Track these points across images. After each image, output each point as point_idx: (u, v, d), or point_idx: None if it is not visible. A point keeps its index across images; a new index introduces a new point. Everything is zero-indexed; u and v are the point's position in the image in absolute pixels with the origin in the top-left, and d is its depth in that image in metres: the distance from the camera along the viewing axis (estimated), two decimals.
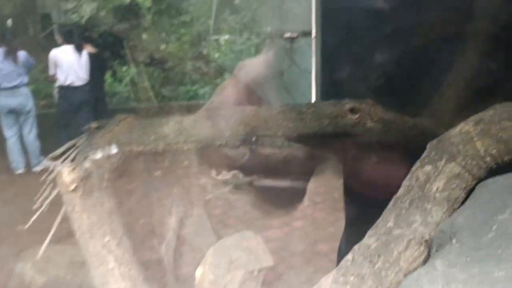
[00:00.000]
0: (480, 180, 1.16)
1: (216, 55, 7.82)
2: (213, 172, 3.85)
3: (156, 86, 7.07)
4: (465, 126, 1.17)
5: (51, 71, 4.62)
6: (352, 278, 1.20)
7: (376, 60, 3.18)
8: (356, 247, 1.27)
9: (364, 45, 3.31)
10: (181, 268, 2.54)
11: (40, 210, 1.69)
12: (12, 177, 4.61)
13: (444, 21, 2.78)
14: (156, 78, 7.30)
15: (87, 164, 1.57)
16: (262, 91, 2.95)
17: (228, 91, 2.09)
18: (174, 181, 3.29)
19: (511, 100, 1.25)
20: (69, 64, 4.67)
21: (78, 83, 4.73)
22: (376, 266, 1.16)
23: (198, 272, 1.95)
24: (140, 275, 1.69)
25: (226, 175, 3.76)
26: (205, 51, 8.17)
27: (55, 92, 4.91)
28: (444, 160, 1.17)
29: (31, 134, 4.77)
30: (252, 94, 2.61)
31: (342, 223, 2.77)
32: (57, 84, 4.77)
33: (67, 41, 4.69)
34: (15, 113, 4.59)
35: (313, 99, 3.68)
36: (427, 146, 1.29)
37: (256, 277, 2.08)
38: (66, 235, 1.70)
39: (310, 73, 3.67)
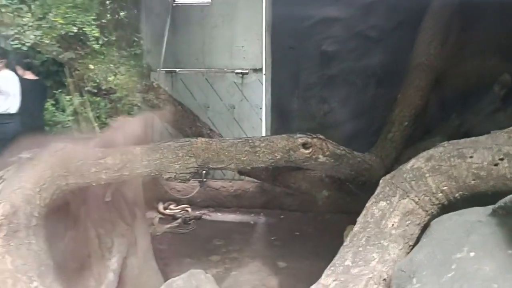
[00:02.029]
0: (433, 216, 1.17)
1: (167, 88, 7.71)
2: (161, 206, 3.66)
3: (102, 116, 6.76)
4: (417, 162, 1.19)
5: None
6: None
7: (323, 96, 3.32)
8: (313, 287, 1.21)
9: (312, 82, 3.46)
10: None
11: None
12: None
13: (389, 63, 2.99)
14: (102, 109, 7.00)
15: (14, 199, 1.38)
16: (205, 121, 2.93)
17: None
18: (117, 215, 3.06)
19: (450, 139, 1.30)
20: (12, 90, 4.39)
21: (13, 110, 4.44)
22: None
23: None
24: None
25: (174, 209, 3.60)
26: (155, 84, 8.03)
27: None
28: (398, 195, 1.17)
29: None
30: (198, 121, 2.55)
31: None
32: None
33: (8, 67, 4.43)
34: None
35: (264, 133, 3.72)
36: (380, 182, 1.29)
37: None
38: None
39: (261, 107, 3.73)
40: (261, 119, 3.50)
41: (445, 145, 1.19)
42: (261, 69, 3.50)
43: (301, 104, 3.37)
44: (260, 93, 3.49)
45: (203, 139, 1.66)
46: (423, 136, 2.37)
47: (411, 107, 2.25)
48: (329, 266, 1.15)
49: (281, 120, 3.47)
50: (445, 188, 1.14)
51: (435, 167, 1.16)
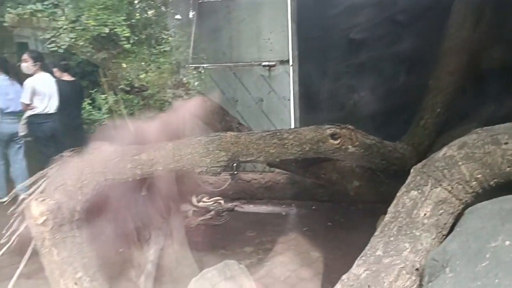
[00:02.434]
0: (467, 205, 1.14)
1: (196, 83, 7.83)
2: (194, 199, 3.76)
3: (135, 113, 6.98)
4: (449, 150, 1.16)
5: (26, 100, 4.51)
6: None
7: (352, 86, 3.27)
8: (344, 277, 1.21)
9: (341, 72, 3.40)
10: None
11: (8, 245, 1.57)
12: None
13: (419, 49, 2.89)
14: (135, 106, 7.21)
15: (57, 195, 1.47)
16: (234, 115, 2.96)
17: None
18: (153, 209, 3.17)
19: (486, 125, 1.25)
20: (47, 92, 4.59)
21: (53, 110, 4.66)
22: None
23: None
24: None
25: (207, 201, 3.68)
26: (185, 79, 8.18)
27: (24, 121, 4.78)
28: (430, 184, 1.15)
29: (21, 162, 4.67)
30: (228, 116, 2.58)
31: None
32: (33, 112, 4.64)
33: (42, 69, 4.63)
34: (12, 139, 4.52)
35: (292, 125, 3.72)
36: (411, 171, 1.27)
37: None
38: (38, 269, 1.59)
39: (289, 99, 3.73)
40: (289, 111, 3.50)
41: (479, 131, 1.15)
42: (288, 61, 3.49)
43: (329, 94, 3.33)
44: (287, 85, 3.48)
45: (233, 133, 1.69)
46: (458, 123, 2.28)
47: (444, 92, 2.17)
48: (360, 256, 1.15)
49: (310, 111, 3.45)
50: (479, 176, 1.11)
51: (469, 154, 1.13)
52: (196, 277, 1.89)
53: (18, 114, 4.84)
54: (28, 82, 4.57)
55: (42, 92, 4.61)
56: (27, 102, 4.55)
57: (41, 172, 1.70)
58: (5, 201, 1.66)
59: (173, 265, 2.66)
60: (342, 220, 3.45)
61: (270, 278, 2.79)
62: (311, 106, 3.46)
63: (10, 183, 4.61)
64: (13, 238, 1.56)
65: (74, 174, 1.58)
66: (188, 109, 2.36)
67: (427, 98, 2.22)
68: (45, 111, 4.66)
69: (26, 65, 4.64)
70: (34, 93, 4.57)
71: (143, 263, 2.58)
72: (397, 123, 2.89)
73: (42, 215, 1.40)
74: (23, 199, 1.62)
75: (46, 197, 1.44)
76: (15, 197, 1.93)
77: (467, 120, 2.27)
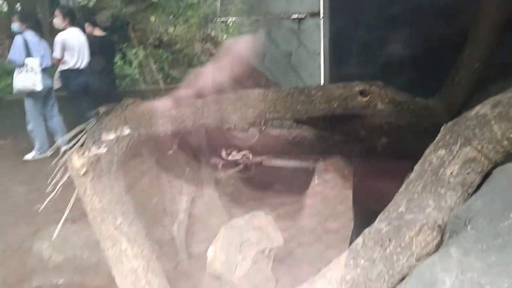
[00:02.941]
0: (497, 164, 1.12)
1: (224, 36, 7.73)
2: (223, 153, 3.86)
3: (165, 68, 7.05)
4: (482, 109, 1.13)
5: (57, 55, 4.59)
6: (363, 261, 1.19)
7: (385, 40, 3.11)
8: (366, 231, 1.25)
9: (373, 26, 3.23)
10: (193, 246, 2.57)
11: (53, 193, 1.71)
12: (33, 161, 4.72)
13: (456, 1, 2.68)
14: (165, 60, 7.27)
15: (96, 149, 1.57)
16: (265, 71, 2.92)
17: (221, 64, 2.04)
18: (184, 162, 3.30)
19: None
20: (77, 47, 4.67)
21: (84, 65, 4.75)
22: (388, 250, 1.15)
23: (210, 252, 1.98)
24: (153, 254, 1.72)
25: (236, 155, 3.77)
26: (213, 33, 8.06)
27: (58, 76, 4.87)
28: (459, 144, 1.14)
29: (57, 117, 4.89)
30: (255, 72, 2.58)
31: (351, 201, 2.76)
32: (64, 67, 4.73)
33: (73, 24, 4.66)
34: (47, 94, 4.69)
35: (322, 81, 3.64)
36: (441, 129, 1.25)
37: (267, 256, 2.10)
38: (81, 215, 1.72)
39: (319, 54, 3.62)
40: (319, 66, 3.42)
41: None
42: (318, 13, 3.35)
43: (361, 48, 3.20)
44: (318, 38, 3.37)
45: (260, 90, 1.70)
46: (496, 78, 2.17)
47: (482, 47, 2.04)
48: (383, 212, 1.18)
49: (340, 66, 3.35)
50: (511, 135, 1.09)
51: (502, 113, 1.09)
52: (225, 226, 2.01)
53: (51, 70, 4.96)
54: (58, 37, 4.66)
55: (72, 47, 4.70)
56: (58, 57, 4.67)
57: (80, 126, 1.80)
58: (48, 156, 1.78)
59: (203, 215, 2.81)
60: (370, 175, 3.47)
61: (296, 229, 2.90)
62: (342, 60, 3.36)
63: (49, 137, 4.87)
64: (57, 187, 1.70)
65: (111, 129, 1.67)
66: (241, 48, 2.33)
67: (464, 52, 2.11)
68: (76, 66, 4.78)
69: (57, 21, 4.70)
70: (64, 48, 4.66)
71: (176, 212, 2.74)
72: (433, 78, 2.78)
73: (83, 167, 1.50)
74: (65, 151, 1.74)
75: (87, 150, 1.53)
76: (57, 150, 2.07)
77: (506, 76, 2.15)
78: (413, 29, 2.88)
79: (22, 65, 4.40)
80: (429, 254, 1.07)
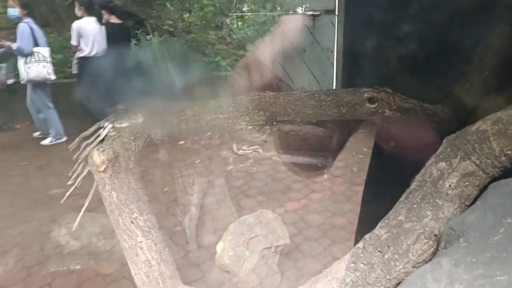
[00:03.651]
0: (495, 179, 1.17)
1: (239, 24, 7.76)
2: (234, 146, 3.95)
3: (179, 56, 7.09)
4: (483, 125, 1.18)
5: (74, 42, 4.67)
6: (362, 265, 1.27)
7: (399, 39, 3.10)
8: (367, 236, 1.33)
9: (388, 23, 3.22)
10: (203, 237, 2.68)
11: (74, 186, 1.82)
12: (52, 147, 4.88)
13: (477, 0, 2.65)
14: (179, 48, 7.31)
15: (115, 146, 1.66)
16: (278, 68, 2.96)
17: (246, 73, 2.12)
18: (195, 157, 3.41)
19: None
20: (93, 35, 4.75)
21: (100, 53, 4.82)
22: (386, 256, 1.22)
23: (219, 248, 2.08)
24: (166, 248, 1.81)
25: (246, 150, 3.85)
26: (228, 21, 8.08)
27: (75, 63, 4.95)
28: (459, 157, 1.19)
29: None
30: (269, 73, 2.63)
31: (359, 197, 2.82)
32: (81, 54, 4.80)
33: (89, 13, 4.74)
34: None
35: (334, 78, 3.67)
36: (443, 142, 1.30)
37: (273, 253, 2.19)
38: (98, 204, 1.82)
39: (332, 51, 3.63)
40: (332, 63, 3.44)
41: None
42: (333, 10, 3.36)
43: (375, 46, 3.21)
44: (332, 35, 3.39)
45: (271, 93, 1.76)
46: (507, 86, 2.18)
47: (494, 55, 2.05)
48: (383, 219, 1.25)
49: (354, 64, 3.37)
50: (509, 152, 1.13)
51: (501, 130, 1.14)
52: (234, 223, 2.10)
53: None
54: (73, 25, 4.72)
55: (87, 35, 4.75)
56: (75, 43, 4.73)
57: (99, 122, 1.89)
58: (69, 148, 1.87)
59: (213, 207, 2.92)
60: (378, 175, 3.52)
61: (304, 223, 2.99)
62: (355, 58, 3.38)
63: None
64: (78, 180, 1.80)
65: (128, 127, 1.76)
66: (294, 23, 2.38)
67: (475, 60, 2.12)
68: (91, 54, 4.84)
69: (76, 9, 4.76)
70: (79, 36, 4.72)
71: (187, 203, 2.85)
72: (444, 80, 2.77)
73: (102, 164, 1.59)
74: (86, 146, 1.84)
75: (106, 147, 1.62)
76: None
77: None
78: (428, 28, 2.86)
79: (31, 54, 4.43)
80: (425, 261, 1.14)
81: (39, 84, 4.60)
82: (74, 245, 2.58)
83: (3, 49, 4.64)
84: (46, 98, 4.69)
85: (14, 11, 4.41)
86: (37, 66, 4.44)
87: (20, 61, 4.44)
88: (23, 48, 4.38)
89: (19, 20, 4.45)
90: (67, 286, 2.30)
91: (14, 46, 4.37)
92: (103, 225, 2.66)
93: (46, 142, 4.81)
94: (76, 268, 2.45)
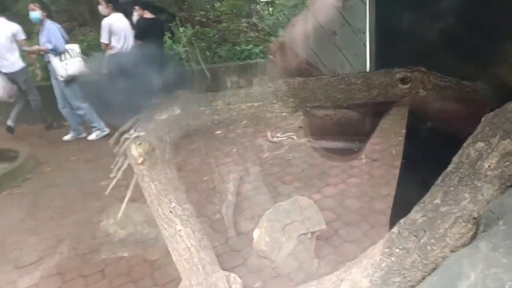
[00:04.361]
0: None
1: (270, 10, 7.68)
2: (269, 134, 3.96)
3: (212, 46, 7.16)
4: None
5: (105, 40, 4.76)
6: (397, 250, 1.24)
7: (433, 18, 2.93)
8: (402, 221, 1.30)
9: (421, 2, 3.05)
10: (241, 224, 2.74)
11: (116, 178, 1.91)
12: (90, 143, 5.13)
13: None
14: (211, 38, 7.39)
15: (151, 139, 1.72)
16: (310, 51, 2.89)
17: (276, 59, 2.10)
18: (230, 146, 3.46)
19: None
20: (123, 31, 4.83)
21: (127, 49, 4.90)
22: (422, 241, 1.19)
23: (255, 234, 2.12)
24: (204, 234, 1.88)
25: (281, 137, 3.86)
26: (258, 8, 8.02)
27: (107, 60, 5.04)
28: (498, 136, 1.13)
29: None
30: (299, 58, 2.60)
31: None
32: (112, 52, 4.88)
33: (117, 9, 4.81)
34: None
35: (368, 60, 3.55)
36: (482, 120, 1.23)
37: (310, 239, 2.21)
38: (141, 194, 1.92)
39: (364, 32, 3.51)
40: (364, 45, 3.34)
41: None
42: None
43: (409, 24, 3.06)
44: (363, 16, 3.28)
45: (300, 79, 1.74)
46: None
47: None
48: (418, 203, 1.22)
49: (387, 44, 3.22)
50: None
51: None
52: (269, 210, 2.13)
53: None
54: (104, 22, 4.85)
55: (118, 31, 4.86)
56: (106, 42, 4.86)
57: (136, 117, 1.97)
58: (110, 143, 1.97)
59: (250, 194, 2.97)
60: (416, 157, 3.39)
61: (342, 208, 2.96)
62: (388, 39, 3.24)
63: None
64: (119, 173, 1.89)
65: (163, 120, 1.82)
66: (321, 7, 2.36)
67: None
68: (123, 50, 4.96)
69: (101, 7, 4.89)
70: (111, 33, 4.84)
71: (224, 191, 2.91)
72: (486, 57, 2.60)
73: (140, 156, 1.66)
74: (125, 140, 1.92)
75: (143, 140, 1.69)
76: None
77: None
78: (466, 2, 2.68)
79: (64, 51, 4.62)
80: (464, 245, 1.11)
81: (73, 81, 4.77)
82: (121, 233, 2.72)
83: (36, 54, 4.83)
84: (82, 93, 4.87)
85: (35, 14, 4.59)
86: (74, 61, 4.63)
87: (55, 60, 4.63)
88: (58, 46, 4.58)
89: (41, 22, 4.64)
90: (119, 272, 2.45)
91: (49, 46, 4.57)
92: (147, 214, 2.79)
93: (92, 137, 5.05)
94: (125, 255, 2.60)
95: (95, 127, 5.08)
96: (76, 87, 4.82)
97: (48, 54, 4.66)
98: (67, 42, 4.70)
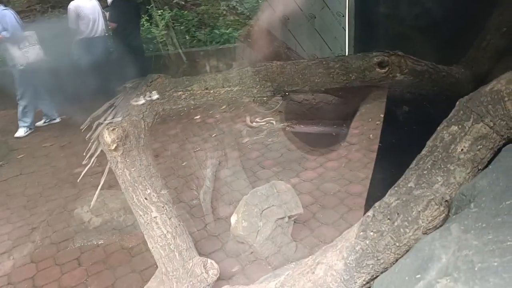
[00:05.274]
0: (509, 140, 1.12)
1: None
2: (248, 119, 3.94)
3: (191, 29, 7.00)
4: (497, 85, 1.12)
5: (72, 25, 4.48)
6: (372, 233, 1.26)
7: (412, 2, 2.93)
8: (376, 204, 1.31)
9: None
10: (220, 209, 2.74)
11: (89, 165, 1.86)
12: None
13: None
14: (190, 22, 7.21)
15: (124, 125, 1.68)
16: (289, 36, 2.88)
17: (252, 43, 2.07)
18: (211, 126, 3.42)
19: None
20: (91, 15, 4.56)
21: (98, 34, 4.65)
22: (395, 223, 1.21)
23: (233, 219, 2.12)
24: (180, 222, 1.86)
25: (260, 121, 3.84)
26: None
27: (75, 46, 4.77)
28: (471, 120, 1.14)
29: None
30: (273, 42, 2.56)
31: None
32: (80, 36, 4.60)
33: None
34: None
35: (347, 43, 3.55)
36: (456, 104, 1.25)
37: (287, 223, 2.22)
38: (117, 181, 1.87)
39: (343, 15, 3.49)
40: (344, 28, 3.32)
41: None
42: None
43: (388, 7, 3.06)
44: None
45: (278, 63, 1.72)
46: None
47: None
48: (393, 187, 1.23)
49: (366, 27, 3.24)
50: None
51: None
52: (247, 195, 2.12)
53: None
54: (70, 6, 4.53)
55: (86, 15, 4.57)
56: (74, 27, 4.57)
57: (109, 102, 1.91)
58: (81, 129, 1.91)
59: (228, 180, 2.95)
60: (393, 141, 3.46)
61: (320, 192, 2.99)
62: (368, 22, 3.24)
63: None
64: (92, 159, 1.84)
65: (137, 106, 1.77)
66: None
67: (493, 15, 1.99)
68: (91, 35, 4.68)
69: None
70: (78, 18, 4.55)
71: (203, 176, 2.89)
72: (463, 38, 2.64)
73: (113, 142, 1.62)
74: (98, 125, 1.86)
75: (116, 126, 1.64)
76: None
77: None
78: None
79: (23, 38, 4.29)
80: (436, 228, 1.13)
81: (34, 68, 4.41)
82: (97, 221, 2.67)
83: None
84: (41, 81, 4.53)
85: None
86: (34, 49, 4.36)
87: (13, 48, 4.27)
88: (15, 34, 4.27)
89: None
90: (95, 259, 2.40)
91: (5, 34, 4.25)
92: (123, 201, 2.74)
93: (40, 123, 4.85)
94: (100, 242, 2.55)
95: (46, 115, 4.88)
96: (37, 73, 4.55)
97: (6, 44, 4.35)
98: (23, 29, 4.41)
